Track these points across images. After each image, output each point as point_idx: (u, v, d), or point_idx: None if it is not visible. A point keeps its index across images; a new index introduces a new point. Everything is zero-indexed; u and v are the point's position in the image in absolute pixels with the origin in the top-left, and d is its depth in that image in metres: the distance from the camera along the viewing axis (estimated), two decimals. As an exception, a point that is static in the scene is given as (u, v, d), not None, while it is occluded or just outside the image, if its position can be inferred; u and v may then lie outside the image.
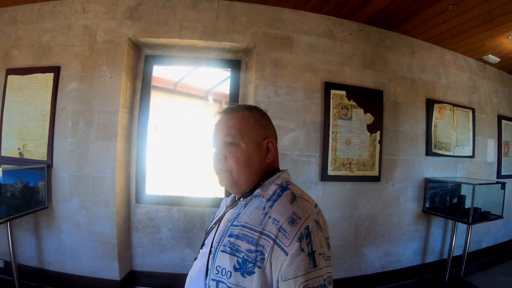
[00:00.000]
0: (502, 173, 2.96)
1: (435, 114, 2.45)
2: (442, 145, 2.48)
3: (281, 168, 0.73)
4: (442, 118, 2.48)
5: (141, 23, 2.11)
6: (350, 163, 2.16)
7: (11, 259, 1.98)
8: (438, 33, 2.42)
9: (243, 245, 0.59)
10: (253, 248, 0.58)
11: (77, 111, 2.10)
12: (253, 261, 0.57)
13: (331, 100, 2.12)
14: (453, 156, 2.55)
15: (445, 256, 2.56)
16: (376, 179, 2.25)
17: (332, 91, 2.13)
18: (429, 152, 2.43)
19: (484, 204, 2.42)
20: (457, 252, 2.42)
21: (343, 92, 2.16)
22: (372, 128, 2.22)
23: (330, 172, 2.11)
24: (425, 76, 2.49)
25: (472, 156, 2.67)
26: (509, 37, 2.38)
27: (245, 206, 0.67)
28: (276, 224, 0.58)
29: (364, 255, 2.30)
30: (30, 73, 2.21)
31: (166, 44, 2.18)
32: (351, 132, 2.17)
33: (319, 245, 0.57)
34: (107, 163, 2.04)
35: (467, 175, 2.65)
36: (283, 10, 2.15)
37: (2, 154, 2.25)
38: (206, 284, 0.63)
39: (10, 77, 2.25)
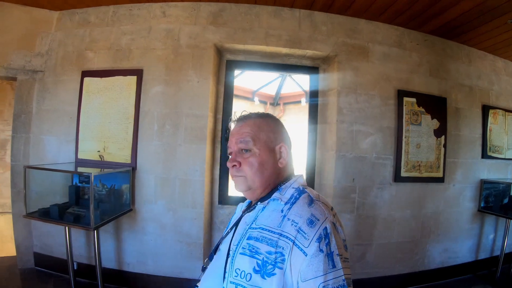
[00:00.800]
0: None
1: (490, 119, 2.92)
2: (496, 149, 2.96)
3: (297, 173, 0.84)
4: (496, 123, 2.96)
5: (226, 29, 2.42)
6: (419, 165, 2.58)
7: (96, 262, 2.22)
8: (493, 43, 2.89)
9: (263, 247, 0.66)
10: (272, 249, 0.64)
11: (163, 114, 2.38)
12: (273, 263, 0.63)
13: (404, 107, 2.53)
14: (504, 158, 3.04)
15: (495, 253, 3.04)
16: (440, 180, 2.68)
17: (405, 98, 2.54)
18: (484, 155, 2.90)
19: (533, 204, 2.92)
20: (506, 250, 2.89)
21: (414, 99, 2.57)
22: (438, 132, 2.65)
23: (403, 173, 2.53)
24: (480, 83, 2.95)
25: (521, 159, 3.18)
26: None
27: (262, 210, 0.75)
28: (295, 226, 0.65)
29: (427, 251, 2.73)
30: (110, 76, 2.45)
31: (250, 50, 2.51)
32: (421, 137, 2.59)
33: (337, 246, 0.64)
34: (196, 166, 2.34)
35: (517, 177, 3.15)
36: (359, 21, 2.53)
37: (79, 157, 2.49)
38: (223, 287, 0.70)
39: (86, 79, 2.50)
